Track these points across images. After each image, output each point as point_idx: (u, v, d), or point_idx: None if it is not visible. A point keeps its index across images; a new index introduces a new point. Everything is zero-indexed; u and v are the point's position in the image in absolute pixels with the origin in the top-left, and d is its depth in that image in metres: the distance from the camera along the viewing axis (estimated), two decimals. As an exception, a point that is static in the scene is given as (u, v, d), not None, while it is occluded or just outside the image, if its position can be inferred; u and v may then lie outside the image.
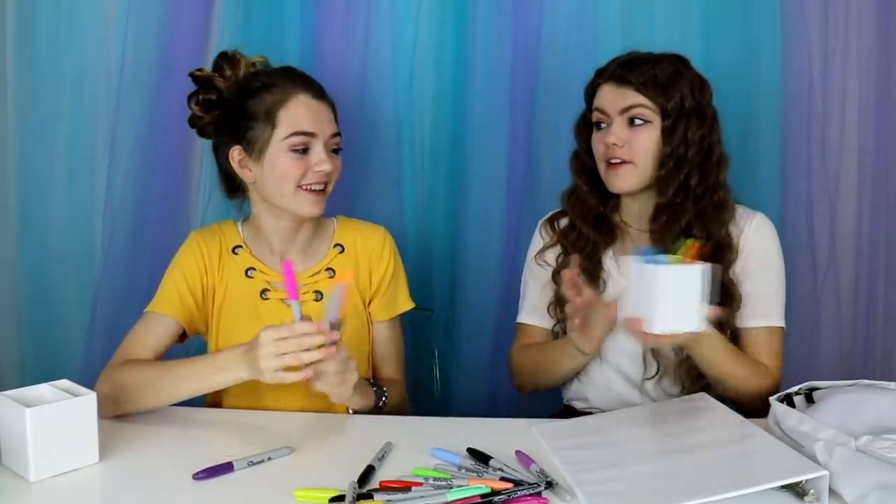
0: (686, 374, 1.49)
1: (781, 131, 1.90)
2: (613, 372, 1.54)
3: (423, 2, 1.87)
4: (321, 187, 1.46)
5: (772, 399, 1.28)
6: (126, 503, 1.09)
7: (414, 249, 1.91)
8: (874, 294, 1.96)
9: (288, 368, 1.21)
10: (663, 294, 1.20)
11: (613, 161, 1.48)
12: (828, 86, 1.90)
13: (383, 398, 1.45)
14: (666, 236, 1.46)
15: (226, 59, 1.53)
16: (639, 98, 1.46)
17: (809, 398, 1.31)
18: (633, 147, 1.47)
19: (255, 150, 1.45)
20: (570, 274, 1.35)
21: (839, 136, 1.92)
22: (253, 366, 1.24)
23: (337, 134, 1.48)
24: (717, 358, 1.41)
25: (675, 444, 1.22)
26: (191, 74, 1.54)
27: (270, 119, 1.43)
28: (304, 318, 1.24)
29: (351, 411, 1.41)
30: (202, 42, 1.86)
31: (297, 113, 1.43)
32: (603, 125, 1.51)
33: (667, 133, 1.46)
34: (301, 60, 1.59)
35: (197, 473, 1.11)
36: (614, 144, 1.47)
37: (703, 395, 1.37)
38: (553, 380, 1.57)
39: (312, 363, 1.21)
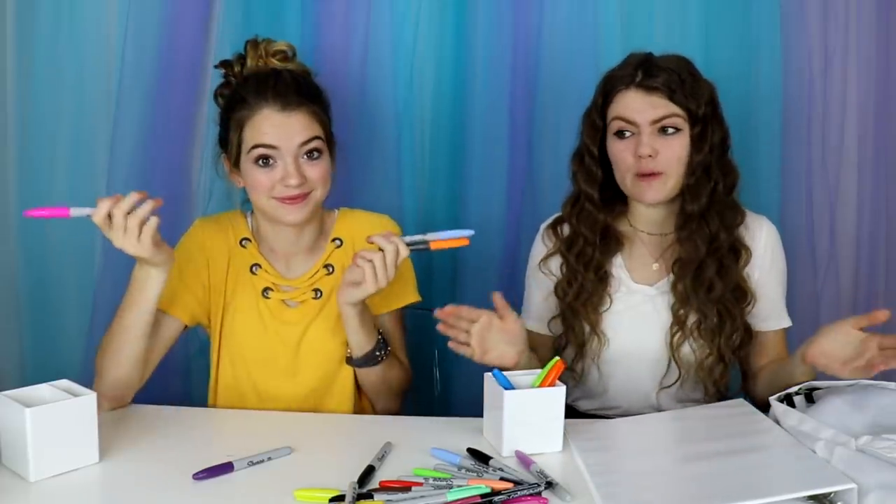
0: (709, 376, 1.48)
1: (781, 131, 1.90)
2: (630, 376, 1.52)
3: (423, 2, 1.87)
4: (295, 196, 1.43)
5: (772, 399, 1.29)
6: (126, 503, 1.09)
7: (414, 248, 1.91)
8: (874, 293, 1.96)
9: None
10: (514, 416, 1.21)
11: (645, 173, 1.44)
12: (828, 86, 1.90)
13: (384, 350, 1.45)
14: (696, 243, 1.46)
15: (245, 48, 1.51)
16: (671, 107, 1.43)
17: (809, 398, 1.31)
18: (666, 157, 1.43)
19: (233, 160, 1.47)
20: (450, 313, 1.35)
21: (839, 136, 1.92)
22: (132, 251, 1.27)
23: (314, 139, 1.44)
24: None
25: (703, 449, 1.20)
26: (216, 67, 1.54)
27: (239, 132, 1.44)
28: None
29: (349, 352, 1.43)
30: (202, 42, 1.86)
31: (260, 128, 1.42)
32: (628, 134, 1.46)
33: (696, 140, 1.44)
34: (301, 59, 1.58)
35: (197, 473, 1.11)
36: (648, 156, 1.43)
37: (741, 401, 1.37)
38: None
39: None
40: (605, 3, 1.86)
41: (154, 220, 1.26)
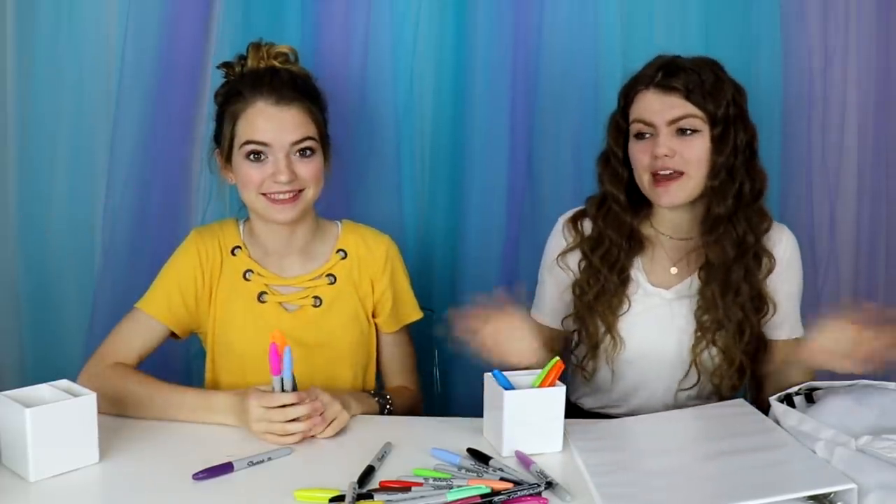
0: (723, 382, 1.48)
1: (781, 130, 1.90)
2: (642, 377, 1.52)
3: (423, 2, 1.87)
4: (285, 196, 1.43)
5: (772, 399, 1.29)
6: (126, 503, 1.09)
7: (414, 249, 1.91)
8: (874, 290, 1.97)
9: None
10: (514, 417, 1.21)
11: (663, 173, 1.43)
12: (828, 86, 1.90)
13: (388, 407, 1.45)
14: (724, 247, 1.45)
15: (248, 49, 1.51)
16: (688, 107, 1.42)
17: (809, 398, 1.31)
18: (685, 157, 1.42)
19: (225, 154, 1.47)
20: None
21: (839, 136, 1.92)
22: (244, 421, 1.27)
23: (308, 138, 1.44)
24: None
25: (703, 449, 1.20)
26: (218, 67, 1.54)
27: (232, 126, 1.44)
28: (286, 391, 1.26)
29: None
30: (202, 42, 1.86)
31: (253, 122, 1.42)
32: (647, 135, 1.45)
33: (717, 141, 1.42)
34: (301, 60, 1.58)
35: (197, 473, 1.12)
36: (665, 156, 1.42)
37: (741, 401, 1.36)
38: None
39: (300, 432, 1.24)
40: (605, 3, 1.86)
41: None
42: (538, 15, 1.88)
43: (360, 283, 1.55)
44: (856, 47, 1.89)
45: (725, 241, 1.45)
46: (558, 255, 1.55)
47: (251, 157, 1.43)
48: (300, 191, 1.44)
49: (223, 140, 1.47)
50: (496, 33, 1.87)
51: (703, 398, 1.52)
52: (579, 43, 1.87)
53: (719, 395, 1.50)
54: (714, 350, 1.47)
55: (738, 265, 1.45)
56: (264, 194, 1.43)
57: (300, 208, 1.45)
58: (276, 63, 1.49)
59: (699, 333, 1.47)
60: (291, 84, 1.46)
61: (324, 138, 1.49)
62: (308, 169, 1.44)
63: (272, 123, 1.42)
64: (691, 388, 1.49)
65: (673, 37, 1.84)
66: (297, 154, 1.44)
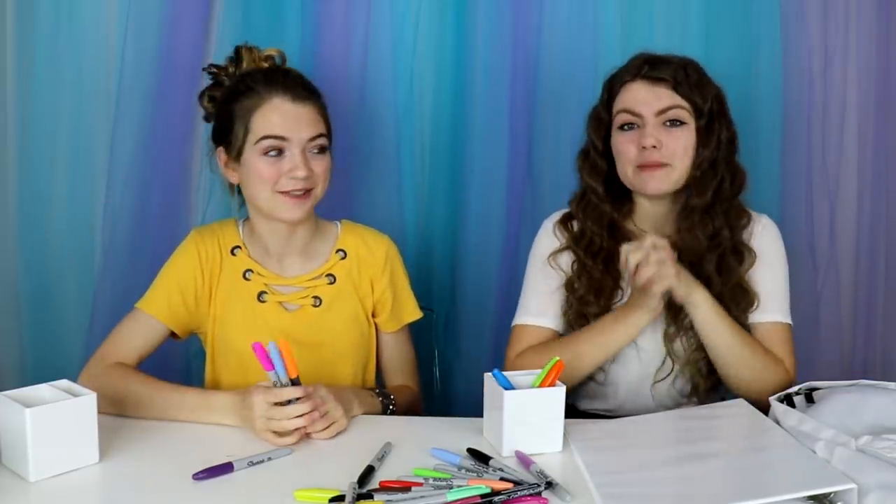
0: (698, 372, 1.48)
1: (781, 131, 1.90)
2: (625, 372, 1.52)
3: (423, 2, 1.87)
4: (299, 192, 1.43)
5: (772, 399, 1.29)
6: (126, 503, 1.09)
7: (414, 249, 1.91)
8: (874, 293, 1.97)
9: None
10: (514, 417, 1.21)
11: (649, 164, 1.44)
12: (828, 86, 1.90)
13: (391, 406, 1.45)
14: (697, 236, 1.46)
15: (238, 52, 1.53)
16: (675, 98, 1.44)
17: (809, 398, 1.31)
18: (671, 149, 1.44)
19: (234, 152, 1.46)
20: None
21: (839, 136, 1.92)
22: (244, 420, 1.27)
23: (321, 135, 1.45)
24: (719, 326, 1.39)
25: (704, 449, 1.20)
26: (204, 69, 1.55)
27: (246, 122, 1.44)
28: (288, 383, 1.25)
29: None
30: (202, 42, 1.86)
31: (270, 117, 1.42)
32: (634, 126, 1.46)
33: (702, 134, 1.45)
34: (301, 60, 1.59)
35: (197, 473, 1.11)
36: (653, 147, 1.43)
37: (741, 402, 1.36)
38: (589, 366, 1.48)
39: (299, 429, 1.24)
40: (605, 3, 1.87)
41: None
42: (538, 15, 1.88)
43: (359, 282, 1.55)
44: (856, 47, 1.90)
45: (698, 231, 1.47)
46: (549, 255, 1.55)
47: (269, 153, 1.43)
48: (311, 188, 1.45)
49: (234, 137, 1.46)
50: (496, 33, 1.87)
51: (682, 396, 1.52)
52: (579, 43, 1.88)
53: (693, 386, 1.50)
54: (685, 339, 1.47)
55: (711, 256, 1.46)
56: (279, 191, 1.43)
57: (309, 206, 1.46)
58: (265, 66, 1.51)
59: (668, 320, 1.47)
60: (302, 83, 1.47)
61: (330, 137, 1.50)
62: (321, 166, 1.46)
63: (289, 119, 1.43)
64: (666, 377, 1.49)
65: (673, 37, 1.85)
66: (312, 151, 1.44)
